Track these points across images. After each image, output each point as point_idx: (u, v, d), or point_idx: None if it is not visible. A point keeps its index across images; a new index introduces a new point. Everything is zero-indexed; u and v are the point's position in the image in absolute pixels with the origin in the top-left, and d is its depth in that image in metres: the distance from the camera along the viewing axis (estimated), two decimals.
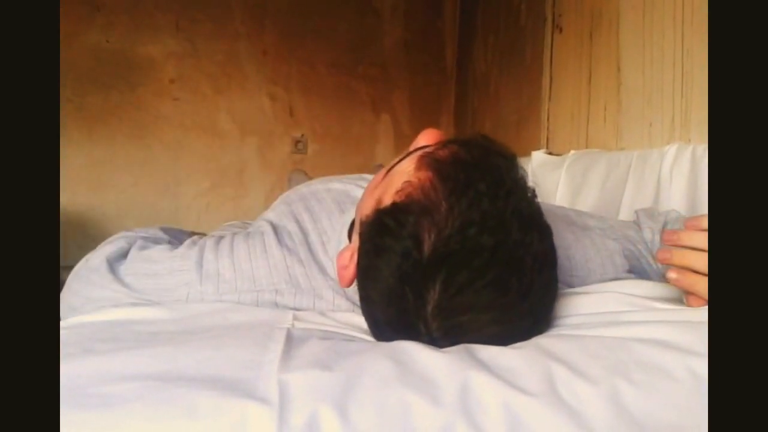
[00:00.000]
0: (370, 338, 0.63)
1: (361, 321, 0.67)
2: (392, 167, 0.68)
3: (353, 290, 0.71)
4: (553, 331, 0.62)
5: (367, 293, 0.60)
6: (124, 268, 0.76)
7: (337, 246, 0.75)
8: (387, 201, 0.60)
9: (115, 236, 0.84)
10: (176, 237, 0.90)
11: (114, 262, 0.76)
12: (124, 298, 0.73)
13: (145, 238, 0.83)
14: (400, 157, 0.68)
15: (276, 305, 0.72)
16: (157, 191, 2.83)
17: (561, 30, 2.06)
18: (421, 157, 0.62)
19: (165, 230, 0.90)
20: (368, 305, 0.61)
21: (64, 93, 2.64)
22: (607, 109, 1.69)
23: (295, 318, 0.68)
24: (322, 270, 0.75)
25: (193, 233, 0.96)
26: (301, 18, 2.99)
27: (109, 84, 2.72)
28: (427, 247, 0.54)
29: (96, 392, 0.44)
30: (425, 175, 0.59)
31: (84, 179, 2.71)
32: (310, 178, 1.59)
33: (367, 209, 0.63)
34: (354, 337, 0.63)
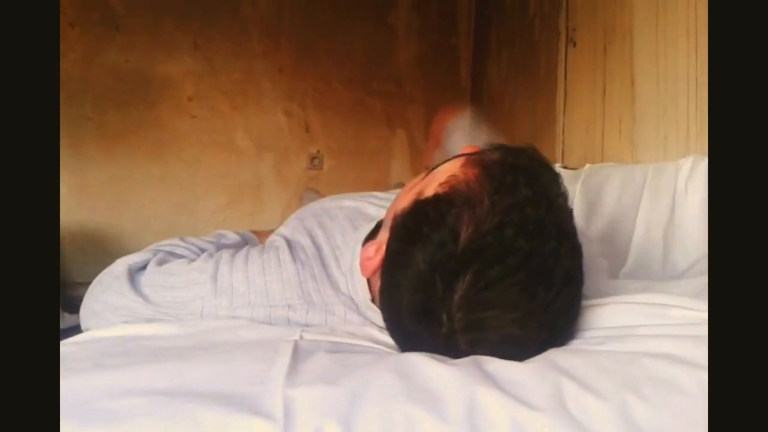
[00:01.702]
0: (378, 347, 0.63)
1: (371, 332, 0.67)
2: (433, 169, 0.68)
3: (365, 305, 0.71)
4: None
5: (395, 279, 0.60)
6: (144, 279, 0.76)
7: (351, 261, 0.75)
8: (429, 193, 0.61)
9: (148, 248, 0.85)
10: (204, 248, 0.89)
11: (135, 272, 0.77)
12: (140, 308, 0.73)
13: (168, 253, 0.84)
14: (444, 161, 0.69)
15: (288, 321, 0.72)
16: (175, 207, 2.85)
17: (575, 44, 2.06)
18: (470, 157, 0.64)
19: (191, 242, 0.90)
20: (393, 292, 0.61)
21: (84, 111, 2.68)
22: (622, 123, 1.68)
23: (304, 330, 0.68)
24: (335, 286, 0.75)
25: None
26: (316, 36, 3.02)
27: (128, 102, 2.76)
28: (463, 239, 0.55)
29: (103, 407, 0.45)
30: (472, 171, 0.60)
31: (103, 196, 2.74)
32: (322, 197, 1.60)
33: (405, 203, 0.64)
34: (362, 347, 0.63)
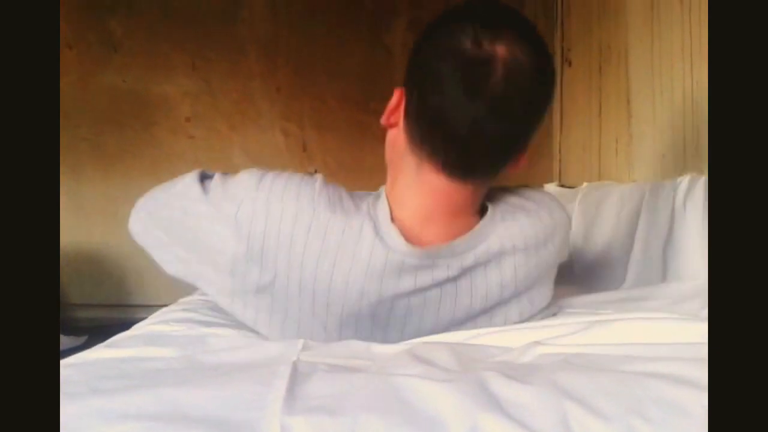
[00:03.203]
0: (377, 366, 0.63)
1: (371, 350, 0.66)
2: None
3: (385, 222, 0.77)
4: (572, 360, 0.61)
5: (427, 49, 0.78)
6: (211, 182, 0.85)
7: (374, 198, 0.83)
8: None
9: None
10: None
11: (206, 177, 0.87)
12: (200, 199, 0.82)
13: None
14: None
15: (309, 228, 0.76)
16: None
17: (570, 64, 2.07)
18: None
19: None
20: (425, 58, 0.78)
21: (80, 132, 2.69)
22: (618, 142, 1.68)
23: (303, 347, 0.69)
24: (358, 207, 0.80)
25: None
26: (313, 55, 3.04)
27: (125, 123, 2.76)
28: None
29: None
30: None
31: (99, 216, 2.73)
32: None
33: None
34: (361, 368, 0.62)
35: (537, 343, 0.68)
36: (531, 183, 1.01)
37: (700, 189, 1.22)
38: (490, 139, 0.76)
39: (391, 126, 0.86)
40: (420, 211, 0.80)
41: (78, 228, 2.68)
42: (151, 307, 1.47)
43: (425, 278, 0.76)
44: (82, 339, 2.23)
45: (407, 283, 0.76)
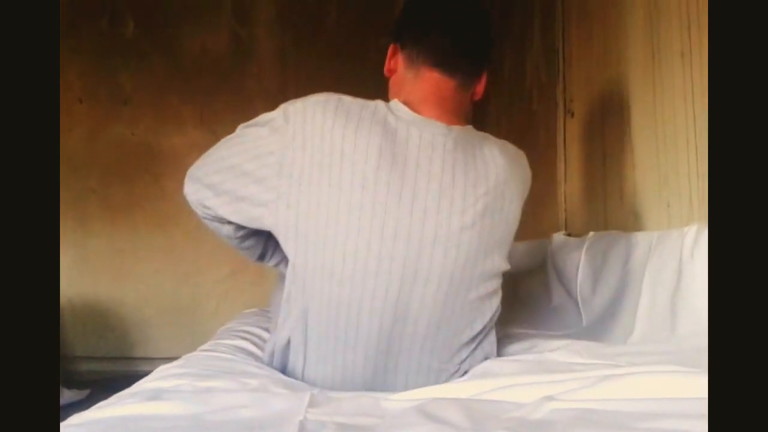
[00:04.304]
0: (387, 418, 0.61)
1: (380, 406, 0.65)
2: None
3: (394, 103, 1.04)
4: (585, 416, 0.60)
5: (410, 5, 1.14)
6: None
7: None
8: None
9: None
10: None
11: None
12: (240, 132, 1.16)
13: None
14: None
15: (336, 110, 0.99)
16: (177, 279, 2.83)
17: (573, 114, 2.10)
18: None
19: None
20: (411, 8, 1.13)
21: (89, 184, 2.71)
22: (623, 191, 1.69)
23: (310, 403, 0.68)
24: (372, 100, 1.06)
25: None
26: None
27: (133, 175, 2.79)
28: None
29: None
30: None
31: (106, 269, 2.73)
32: None
33: None
34: (369, 426, 0.61)
35: (549, 398, 0.67)
36: (537, 232, 1.03)
37: (707, 238, 1.21)
38: (467, 41, 1.09)
39: (392, 73, 1.15)
40: (418, 95, 1.06)
41: (83, 280, 2.68)
42: (154, 360, 1.46)
43: (427, 147, 0.98)
44: (86, 392, 2.20)
45: (414, 146, 0.98)
